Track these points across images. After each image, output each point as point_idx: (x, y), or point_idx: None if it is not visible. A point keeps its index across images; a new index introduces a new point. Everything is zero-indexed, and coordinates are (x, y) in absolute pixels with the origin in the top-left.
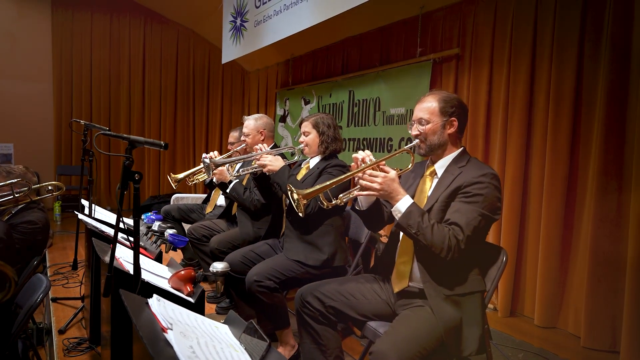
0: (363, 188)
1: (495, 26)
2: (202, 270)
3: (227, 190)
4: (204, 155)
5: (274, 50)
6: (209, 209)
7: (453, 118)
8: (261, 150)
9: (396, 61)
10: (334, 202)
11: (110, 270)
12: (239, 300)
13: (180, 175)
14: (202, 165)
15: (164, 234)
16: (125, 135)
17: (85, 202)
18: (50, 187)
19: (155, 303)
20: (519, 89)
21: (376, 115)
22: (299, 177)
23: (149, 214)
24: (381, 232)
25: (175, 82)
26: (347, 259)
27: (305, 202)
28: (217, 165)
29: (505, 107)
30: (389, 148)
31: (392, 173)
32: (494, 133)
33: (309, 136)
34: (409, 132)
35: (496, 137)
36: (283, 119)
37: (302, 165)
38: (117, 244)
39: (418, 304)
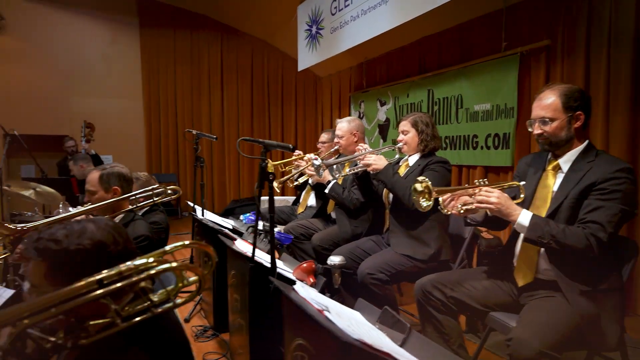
0: (480, 202)
1: (592, 14)
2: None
3: (327, 191)
4: (313, 156)
5: (346, 55)
6: (300, 209)
7: (579, 112)
8: (364, 150)
9: (479, 57)
10: (453, 210)
11: (252, 261)
12: (346, 293)
13: (283, 178)
14: (299, 168)
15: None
16: (260, 140)
17: (190, 203)
18: (169, 191)
19: (301, 289)
20: (621, 80)
21: (458, 112)
22: (400, 174)
23: (248, 215)
24: (482, 228)
25: (250, 91)
26: (452, 254)
27: (436, 196)
28: (328, 166)
29: (606, 99)
30: (474, 145)
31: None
32: (594, 129)
33: (408, 135)
34: (530, 130)
35: (596, 133)
36: None
37: (400, 164)
38: (237, 241)
39: (548, 295)
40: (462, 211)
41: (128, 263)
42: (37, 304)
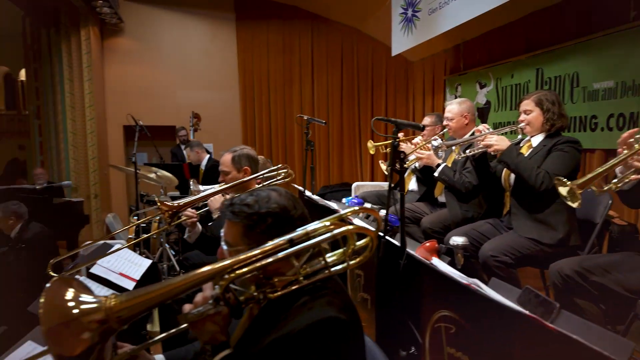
0: None
1: None
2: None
3: (436, 174)
4: (433, 138)
5: (442, 38)
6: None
7: None
8: (485, 131)
9: (600, 30)
10: (605, 187)
11: (383, 237)
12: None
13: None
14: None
15: None
16: (393, 119)
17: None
18: (282, 173)
19: (440, 265)
20: None
21: (573, 92)
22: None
23: (351, 198)
24: (613, 213)
25: (340, 79)
26: (580, 239)
27: (580, 192)
28: (448, 147)
29: None
30: (593, 127)
31: None
32: None
33: (531, 114)
34: None
35: None
36: None
37: (521, 145)
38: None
39: None
40: (618, 185)
41: (312, 224)
42: (239, 260)
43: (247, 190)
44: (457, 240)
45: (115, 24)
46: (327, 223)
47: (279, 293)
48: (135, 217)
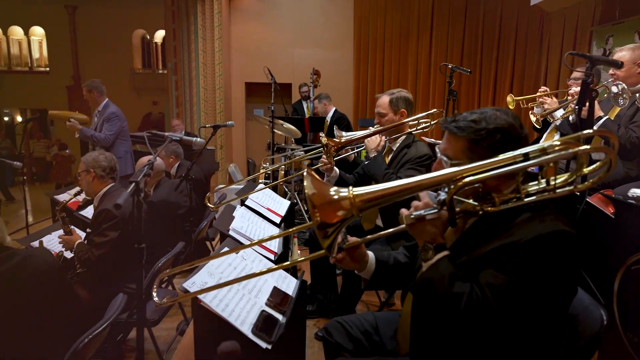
0: None
1: None
2: None
3: (595, 128)
4: (614, 83)
5: None
6: None
7: None
8: None
9: None
10: None
11: None
12: None
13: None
14: (544, 105)
15: None
16: (588, 55)
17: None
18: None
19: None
20: None
21: None
22: None
23: None
24: None
25: (462, 35)
26: None
27: None
28: (633, 94)
29: None
30: None
31: None
32: None
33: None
34: None
35: None
36: None
37: None
38: None
39: None
40: None
41: (544, 143)
42: (471, 168)
43: (403, 132)
44: (637, 192)
45: None
46: (557, 143)
47: (499, 208)
48: (266, 165)
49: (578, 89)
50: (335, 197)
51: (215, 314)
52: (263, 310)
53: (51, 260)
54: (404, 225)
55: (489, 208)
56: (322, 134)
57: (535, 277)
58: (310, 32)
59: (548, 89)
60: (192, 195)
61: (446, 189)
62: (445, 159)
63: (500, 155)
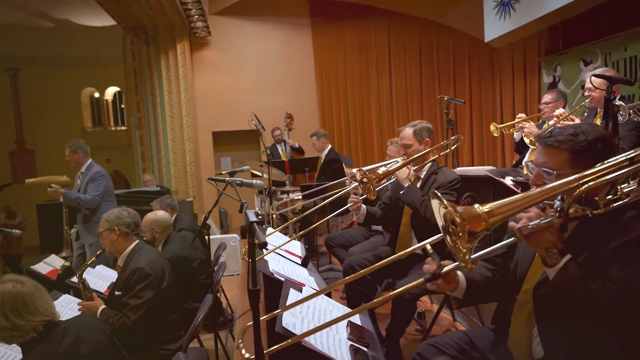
0: None
1: None
2: None
3: None
4: (561, 111)
5: (537, 20)
6: (526, 170)
7: None
8: None
9: None
10: None
11: None
12: None
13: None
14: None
15: None
16: (607, 75)
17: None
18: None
19: None
20: None
21: None
22: None
23: None
24: None
25: (419, 73)
26: None
27: None
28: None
29: None
30: None
31: None
32: None
33: None
34: None
35: None
36: (552, 86)
37: None
38: None
39: None
40: None
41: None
42: (585, 176)
43: (426, 161)
44: None
45: (204, 37)
46: None
47: (607, 208)
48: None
49: (562, 110)
50: (478, 211)
51: (322, 354)
52: (351, 345)
53: (102, 328)
54: (512, 239)
55: (599, 210)
56: (352, 170)
57: None
58: (274, 80)
59: (524, 115)
60: (201, 247)
61: (559, 198)
62: (547, 171)
63: (606, 163)
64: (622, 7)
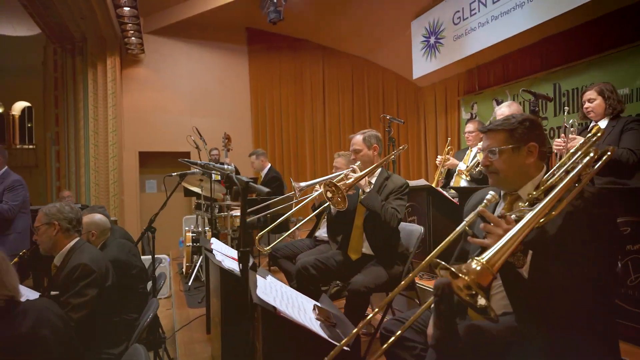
0: None
1: None
2: None
3: None
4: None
5: (456, 63)
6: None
7: None
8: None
9: (615, 47)
10: None
11: None
12: None
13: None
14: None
15: None
16: (537, 93)
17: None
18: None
19: None
20: None
21: None
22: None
23: None
24: None
25: (352, 105)
26: None
27: None
28: None
29: None
30: None
31: None
32: None
33: (595, 102)
34: None
35: None
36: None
37: (588, 130)
38: None
39: None
40: None
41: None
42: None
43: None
44: None
45: (136, 54)
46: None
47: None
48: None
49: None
50: (479, 268)
51: (299, 324)
52: (320, 323)
53: (60, 313)
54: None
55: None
56: (299, 184)
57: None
58: (208, 102)
59: (442, 157)
60: (139, 256)
61: None
62: (492, 149)
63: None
64: (527, 56)
